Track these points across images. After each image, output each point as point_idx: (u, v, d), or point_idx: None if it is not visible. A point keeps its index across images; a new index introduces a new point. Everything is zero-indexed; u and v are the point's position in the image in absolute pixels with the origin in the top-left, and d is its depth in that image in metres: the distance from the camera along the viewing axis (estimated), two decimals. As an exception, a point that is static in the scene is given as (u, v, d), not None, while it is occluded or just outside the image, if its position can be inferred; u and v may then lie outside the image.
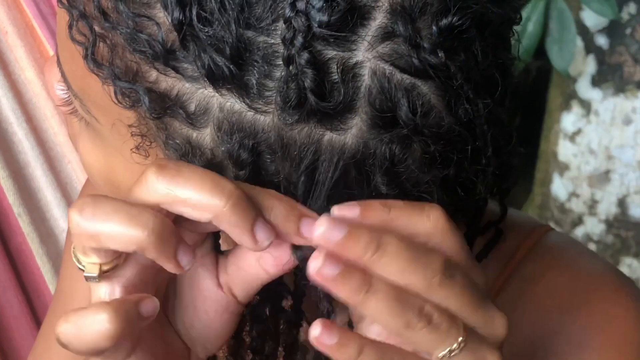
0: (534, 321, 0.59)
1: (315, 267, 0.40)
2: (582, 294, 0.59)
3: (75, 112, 0.53)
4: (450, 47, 0.43)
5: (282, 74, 0.43)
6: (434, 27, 0.43)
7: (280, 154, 0.44)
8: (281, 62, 0.43)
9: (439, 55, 0.43)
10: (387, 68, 0.43)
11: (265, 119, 0.44)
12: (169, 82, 0.45)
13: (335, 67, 0.43)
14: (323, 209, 0.43)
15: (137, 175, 0.49)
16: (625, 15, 1.61)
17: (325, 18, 0.42)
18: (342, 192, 0.44)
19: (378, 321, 0.42)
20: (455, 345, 0.42)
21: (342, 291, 0.40)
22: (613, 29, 1.62)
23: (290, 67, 0.42)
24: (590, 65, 1.66)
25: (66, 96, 0.54)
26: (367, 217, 0.42)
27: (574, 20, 1.52)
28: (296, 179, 0.45)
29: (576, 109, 1.70)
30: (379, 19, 0.43)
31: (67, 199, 1.05)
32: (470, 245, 0.53)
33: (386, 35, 0.43)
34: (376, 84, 0.43)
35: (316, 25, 0.42)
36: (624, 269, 1.74)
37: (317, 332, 0.41)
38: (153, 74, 0.45)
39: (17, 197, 1.01)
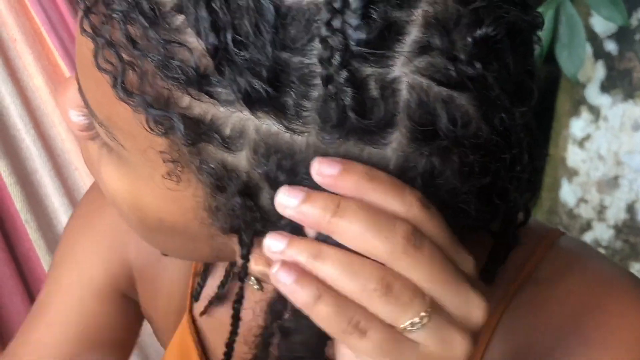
0: (549, 324, 0.59)
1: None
2: (596, 296, 0.59)
3: (95, 138, 0.53)
4: (486, 57, 0.43)
5: (320, 93, 0.43)
6: (468, 39, 0.43)
7: None
8: (318, 82, 0.42)
9: (476, 66, 0.42)
10: (425, 81, 0.43)
11: (303, 139, 0.44)
12: (203, 107, 0.44)
13: (374, 84, 0.42)
14: None
15: (166, 201, 0.49)
16: (634, 21, 1.61)
17: (363, 36, 0.42)
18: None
19: (335, 287, 0.43)
20: (416, 319, 0.43)
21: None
22: (622, 35, 1.62)
23: (329, 87, 0.42)
24: (599, 71, 1.65)
25: (83, 121, 0.53)
26: (344, 178, 0.43)
27: (583, 26, 1.52)
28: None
29: (585, 114, 1.69)
30: (413, 34, 0.43)
31: (74, 206, 1.06)
32: (507, 252, 0.54)
33: (422, 49, 0.43)
34: (415, 98, 0.43)
35: (354, 43, 0.42)
36: (632, 274, 1.74)
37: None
38: (186, 100, 0.44)
39: (24, 203, 1.02)
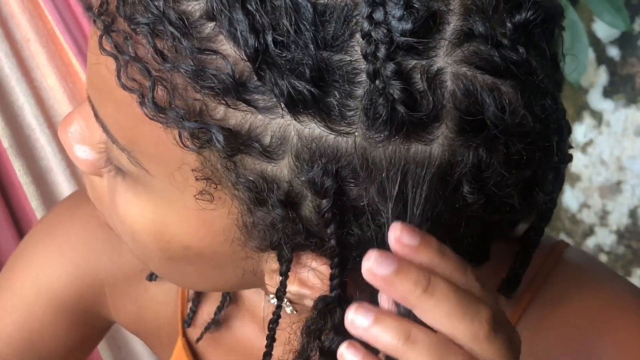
0: (559, 343, 0.57)
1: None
2: (606, 319, 0.57)
3: (105, 172, 0.51)
4: (527, 42, 0.43)
5: (365, 90, 0.41)
6: (508, 24, 0.42)
7: (365, 175, 0.43)
8: (362, 79, 0.41)
9: (520, 51, 0.42)
10: (469, 70, 0.42)
11: (348, 140, 0.42)
12: (239, 117, 0.43)
13: (419, 76, 0.41)
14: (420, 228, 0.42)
15: (194, 225, 0.47)
16: (637, 27, 1.62)
17: (408, 26, 0.41)
18: (431, 207, 0.43)
19: None
20: None
21: (382, 337, 0.40)
22: (625, 41, 1.63)
23: (377, 82, 0.41)
24: (601, 77, 1.67)
25: (89, 157, 0.51)
26: (421, 250, 0.40)
27: (585, 31, 1.53)
28: (383, 201, 0.43)
29: (588, 119, 1.70)
30: (453, 22, 0.42)
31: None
32: (534, 249, 0.53)
33: (464, 37, 0.42)
34: (461, 88, 0.42)
35: (399, 34, 0.41)
36: (634, 280, 1.74)
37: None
38: (221, 111, 0.43)
39: (40, 202, 1.02)
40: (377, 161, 0.42)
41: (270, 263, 0.49)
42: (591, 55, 1.64)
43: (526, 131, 0.44)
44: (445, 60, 0.42)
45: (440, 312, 0.40)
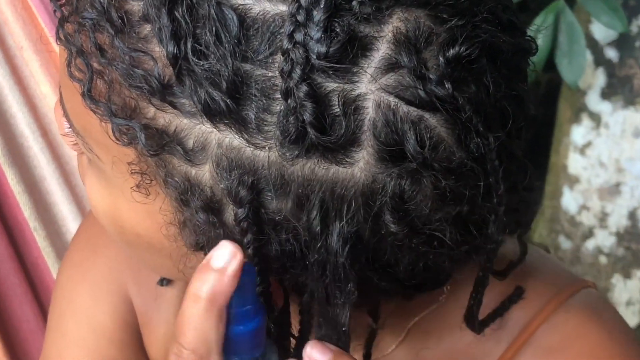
0: None
1: None
2: None
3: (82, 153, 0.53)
4: (459, 78, 0.42)
5: (281, 108, 0.42)
6: (440, 58, 0.42)
7: (281, 191, 0.43)
8: (279, 96, 0.42)
9: (446, 86, 0.41)
10: (392, 100, 0.42)
11: (265, 154, 0.43)
12: (167, 118, 0.44)
13: (337, 100, 0.42)
14: (336, 251, 0.43)
15: (141, 215, 0.48)
16: (634, 28, 1.62)
17: (323, 49, 0.41)
18: (353, 229, 0.43)
19: None
20: None
21: None
22: (622, 42, 1.63)
23: (289, 100, 0.41)
24: (599, 78, 1.66)
25: (73, 138, 0.53)
26: None
27: (583, 33, 1.52)
28: (301, 218, 0.44)
29: (586, 121, 1.70)
30: (382, 50, 0.42)
31: (83, 213, 1.05)
32: (483, 288, 0.52)
33: (390, 66, 0.42)
34: (380, 117, 0.42)
35: (314, 57, 0.41)
36: (634, 281, 1.74)
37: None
38: (151, 110, 0.44)
39: (32, 211, 1.02)
40: (294, 178, 0.43)
41: None
42: (589, 57, 1.64)
43: (453, 167, 0.43)
44: (369, 87, 0.42)
45: None
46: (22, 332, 0.99)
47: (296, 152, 0.42)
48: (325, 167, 0.43)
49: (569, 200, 1.77)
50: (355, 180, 0.43)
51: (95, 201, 0.52)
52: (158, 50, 0.43)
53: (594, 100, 1.68)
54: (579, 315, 0.58)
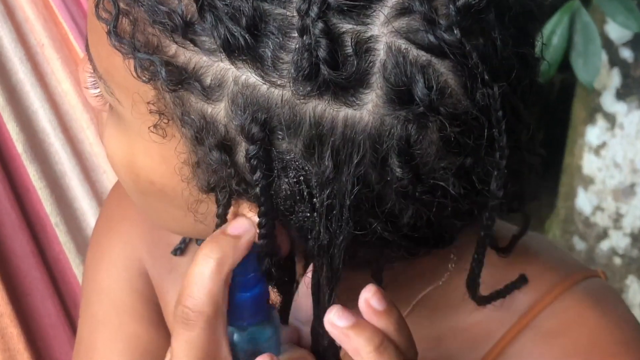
0: None
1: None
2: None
3: (105, 107, 0.54)
4: (468, 27, 0.44)
5: (297, 46, 0.44)
6: (451, 6, 0.43)
7: (292, 130, 0.45)
8: (295, 35, 0.44)
9: (455, 32, 0.43)
10: (403, 44, 0.44)
11: (280, 92, 0.45)
12: (187, 55, 0.46)
13: (350, 40, 0.43)
14: (344, 193, 0.45)
15: (156, 160, 0.50)
16: (650, 28, 1.62)
17: None
18: (361, 171, 0.45)
19: None
20: None
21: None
22: (638, 42, 1.63)
23: (305, 37, 0.43)
24: (614, 79, 1.66)
25: (96, 91, 0.54)
26: (382, 317, 0.46)
27: (598, 33, 1.52)
28: (310, 158, 0.45)
29: (601, 122, 1.70)
30: None
31: (103, 209, 1.06)
32: (484, 249, 0.53)
33: (403, 10, 0.44)
34: (391, 59, 0.43)
35: None
36: (649, 283, 1.74)
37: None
38: (172, 48, 0.46)
39: (54, 207, 1.02)
40: (306, 118, 0.44)
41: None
42: (604, 57, 1.64)
43: (458, 114, 0.45)
44: (381, 30, 0.44)
45: None
46: (43, 327, 0.99)
47: (308, 89, 0.44)
48: (335, 109, 0.44)
49: (584, 201, 1.76)
50: (364, 122, 0.44)
51: (112, 151, 0.53)
52: None
53: (608, 101, 1.68)
54: (582, 302, 0.58)
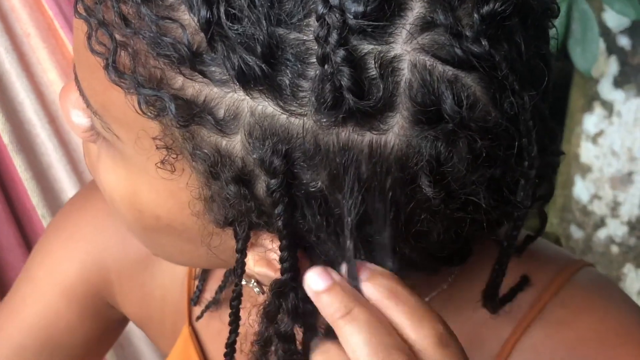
0: None
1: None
2: (611, 343, 0.56)
3: (94, 139, 0.51)
4: (493, 35, 0.41)
5: (317, 73, 0.41)
6: (475, 15, 0.41)
7: (315, 160, 0.42)
8: (314, 61, 0.41)
9: (483, 44, 0.41)
10: (428, 60, 0.41)
11: (300, 122, 0.42)
12: (196, 88, 0.43)
13: (373, 62, 0.41)
14: (378, 219, 0.42)
15: (162, 195, 0.47)
16: (648, 16, 1.60)
17: (361, 8, 0.40)
18: (390, 197, 0.42)
19: None
20: None
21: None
22: (635, 30, 1.61)
23: (326, 66, 0.40)
24: (612, 66, 1.65)
25: (83, 122, 0.52)
26: (367, 287, 0.42)
27: (596, 21, 1.51)
28: (336, 188, 0.43)
29: (598, 110, 1.68)
30: (416, 9, 0.41)
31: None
32: (507, 259, 0.51)
33: (425, 25, 0.41)
34: (417, 77, 0.41)
35: (351, 16, 0.40)
36: (647, 271, 1.73)
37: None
38: (179, 80, 0.43)
39: (40, 198, 1.02)
40: (329, 146, 0.42)
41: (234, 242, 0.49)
42: (601, 45, 1.62)
43: (489, 127, 0.42)
44: (404, 48, 0.41)
45: (353, 342, 0.40)
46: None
47: (332, 119, 0.41)
48: (360, 135, 0.42)
49: (581, 190, 1.75)
50: (390, 146, 0.42)
51: (111, 186, 0.51)
52: (186, 17, 0.42)
53: (606, 89, 1.66)
54: (586, 290, 0.59)
